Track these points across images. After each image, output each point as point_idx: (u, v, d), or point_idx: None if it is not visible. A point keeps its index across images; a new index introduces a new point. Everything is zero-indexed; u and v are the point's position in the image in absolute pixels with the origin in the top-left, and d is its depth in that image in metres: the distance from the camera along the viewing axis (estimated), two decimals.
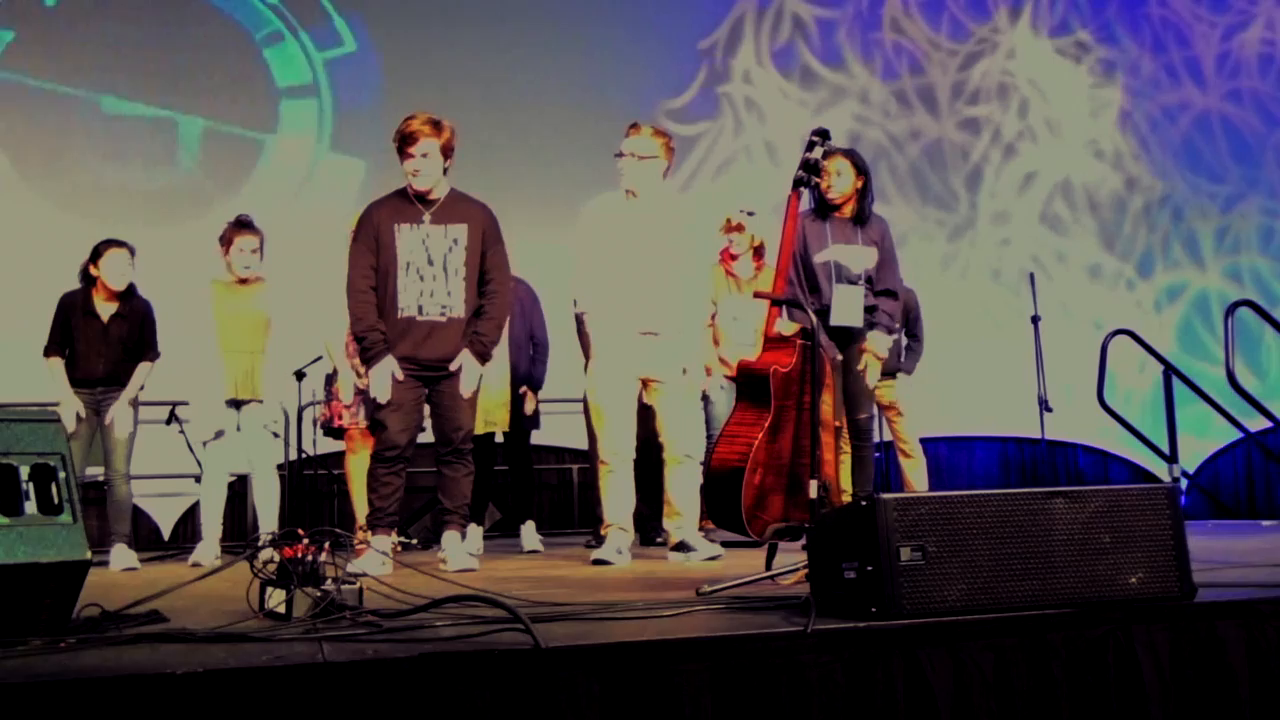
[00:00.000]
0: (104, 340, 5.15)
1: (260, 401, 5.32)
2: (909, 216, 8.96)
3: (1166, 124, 9.77)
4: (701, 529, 4.84)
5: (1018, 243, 9.32)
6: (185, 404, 6.06)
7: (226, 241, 5.35)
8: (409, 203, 4.37)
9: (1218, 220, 9.71)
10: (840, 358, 4.65)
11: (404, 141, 4.29)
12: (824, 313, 4.50)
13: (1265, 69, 9.97)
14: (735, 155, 8.92)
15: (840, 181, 4.60)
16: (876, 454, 5.06)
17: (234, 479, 5.63)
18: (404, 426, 4.28)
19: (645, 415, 4.86)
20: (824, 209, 4.65)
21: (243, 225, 5.38)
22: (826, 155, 4.39)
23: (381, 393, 4.26)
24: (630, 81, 8.50)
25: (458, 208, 4.40)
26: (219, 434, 5.25)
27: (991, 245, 9.31)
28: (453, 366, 4.31)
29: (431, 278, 4.30)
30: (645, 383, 4.77)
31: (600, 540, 5.30)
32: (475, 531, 5.66)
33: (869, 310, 4.66)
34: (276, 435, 5.60)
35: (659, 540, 5.55)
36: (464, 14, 8.45)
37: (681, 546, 4.63)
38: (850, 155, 4.67)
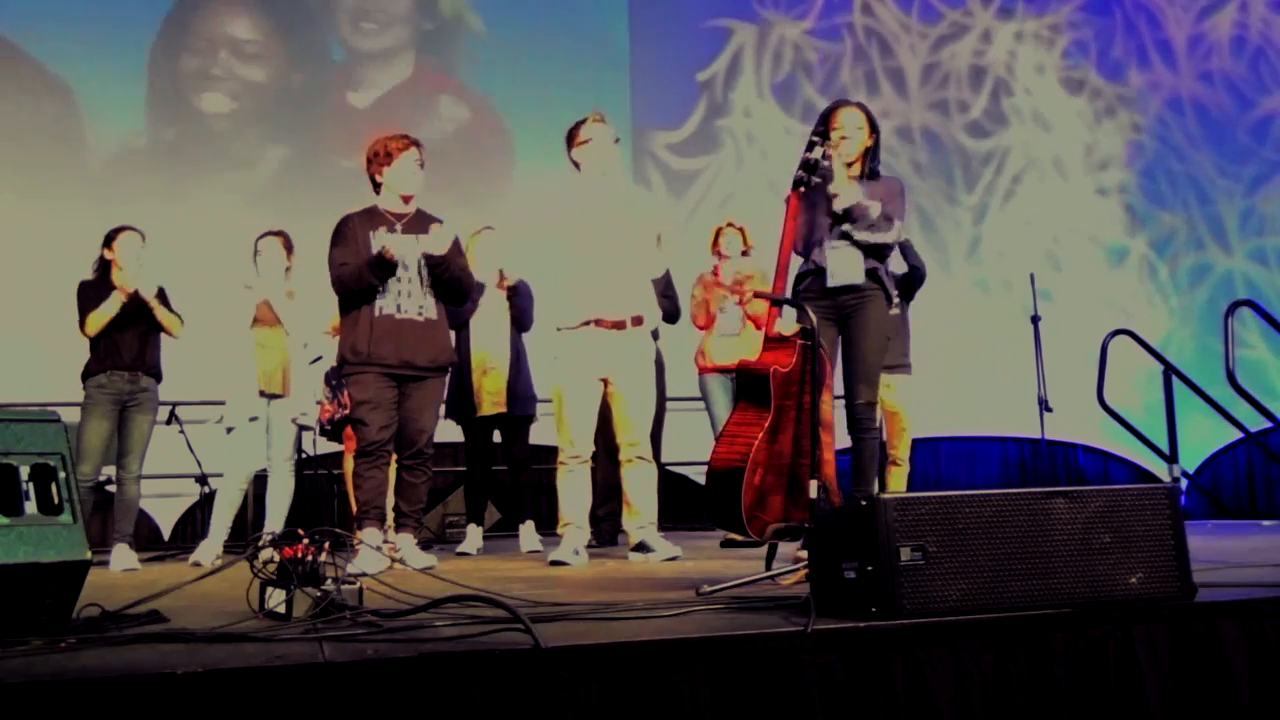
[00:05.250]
0: (128, 320, 5.18)
1: (285, 397, 5.37)
2: (910, 226, 8.94)
3: (1169, 111, 9.76)
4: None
5: (1021, 240, 9.30)
6: (185, 404, 6.04)
7: (256, 251, 5.49)
8: (381, 216, 4.55)
9: (1242, 203, 9.67)
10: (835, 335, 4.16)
11: (409, 146, 4.51)
12: (820, 274, 4.16)
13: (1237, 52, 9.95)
14: (737, 190, 8.81)
15: (855, 137, 4.15)
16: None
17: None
18: (384, 424, 4.42)
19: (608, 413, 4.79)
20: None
21: (270, 232, 5.53)
22: (834, 108, 4.17)
23: (400, 242, 4.42)
24: (628, 112, 8.41)
25: (424, 222, 4.57)
26: (253, 419, 5.31)
27: (996, 243, 9.31)
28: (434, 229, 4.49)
29: (408, 280, 4.47)
30: (605, 381, 4.68)
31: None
32: (475, 531, 5.67)
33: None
34: (309, 428, 5.63)
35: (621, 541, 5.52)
36: (465, 44, 8.43)
37: (641, 547, 4.60)
38: (863, 108, 4.25)
